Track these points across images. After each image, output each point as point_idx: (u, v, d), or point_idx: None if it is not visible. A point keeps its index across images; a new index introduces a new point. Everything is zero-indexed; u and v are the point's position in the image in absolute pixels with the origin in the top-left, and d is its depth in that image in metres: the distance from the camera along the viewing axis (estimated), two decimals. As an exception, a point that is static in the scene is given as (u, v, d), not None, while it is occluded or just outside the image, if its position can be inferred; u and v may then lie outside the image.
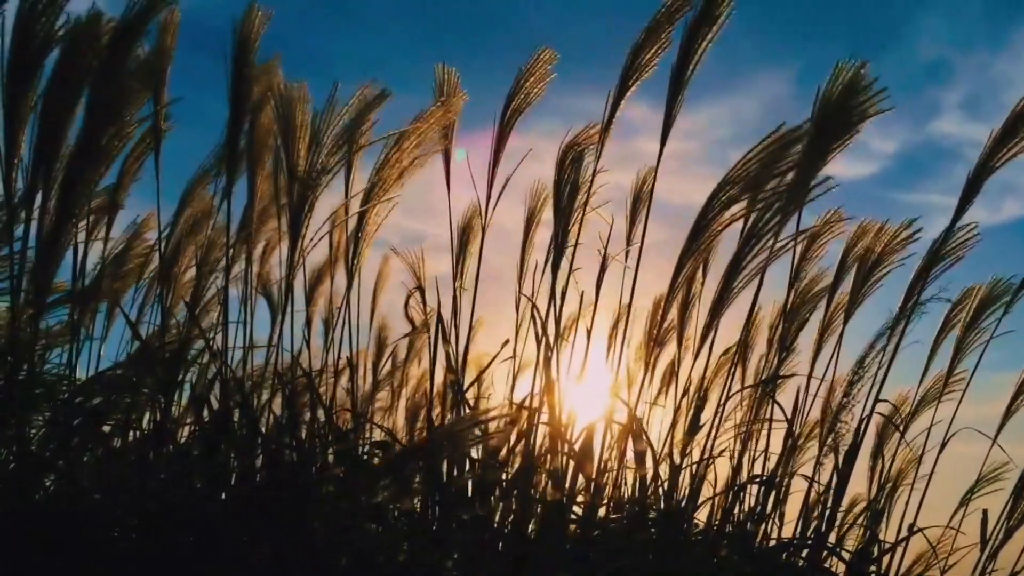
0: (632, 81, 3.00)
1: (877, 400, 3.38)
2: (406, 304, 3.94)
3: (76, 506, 2.69)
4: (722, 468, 3.35)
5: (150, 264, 3.64)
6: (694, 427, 3.25)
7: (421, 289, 3.68)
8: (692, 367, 3.19)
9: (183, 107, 3.23)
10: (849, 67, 2.83)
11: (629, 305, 3.13)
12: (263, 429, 3.16)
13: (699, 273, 3.55)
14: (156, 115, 3.14)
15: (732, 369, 3.30)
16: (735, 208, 2.73)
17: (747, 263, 2.79)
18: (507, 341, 3.41)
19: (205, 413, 3.10)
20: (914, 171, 7.41)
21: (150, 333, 3.42)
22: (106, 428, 2.94)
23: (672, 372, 3.76)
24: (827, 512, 3.40)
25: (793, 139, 2.69)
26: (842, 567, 3.39)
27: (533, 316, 3.24)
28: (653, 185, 3.09)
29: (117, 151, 2.89)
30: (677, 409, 3.23)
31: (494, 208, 3.32)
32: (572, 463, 3.08)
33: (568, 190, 3.28)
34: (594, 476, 3.07)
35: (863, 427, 3.39)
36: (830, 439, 3.38)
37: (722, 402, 3.17)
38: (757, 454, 3.40)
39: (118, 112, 2.81)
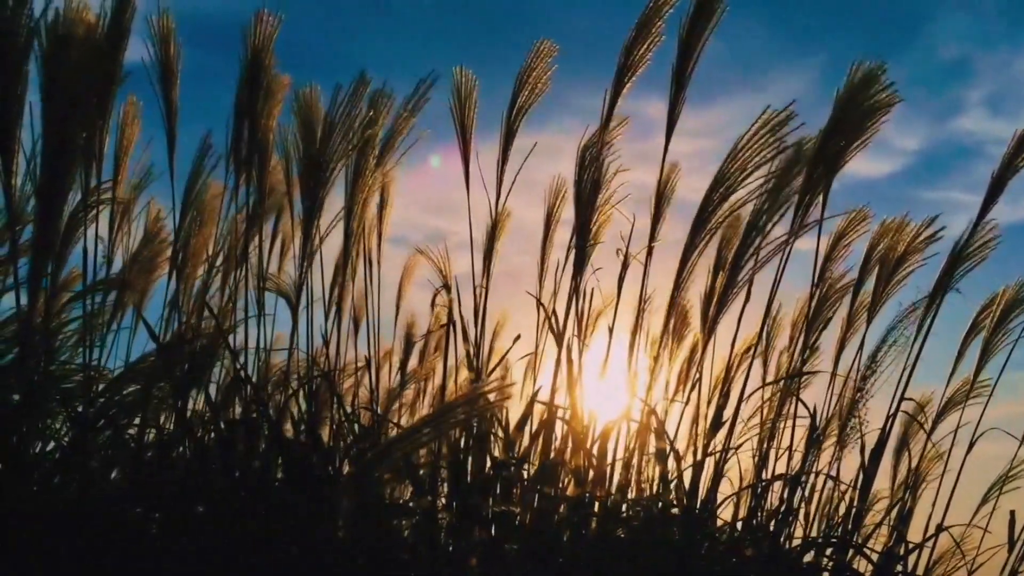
0: (627, 78, 3.05)
1: (903, 399, 3.38)
2: (433, 302, 4.01)
3: (98, 504, 2.77)
4: (745, 465, 3.36)
5: (160, 258, 3.70)
6: (716, 424, 3.25)
7: (447, 287, 3.74)
8: (705, 363, 3.21)
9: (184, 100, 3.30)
10: (865, 67, 2.84)
11: (646, 302, 3.14)
12: (284, 428, 3.23)
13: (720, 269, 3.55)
14: (169, 118, 3.21)
15: (752, 366, 3.31)
16: (733, 198, 2.74)
17: (749, 257, 2.80)
18: (518, 337, 3.45)
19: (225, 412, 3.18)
20: (936, 168, 7.35)
21: (172, 331, 3.48)
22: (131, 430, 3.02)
23: (689, 368, 3.78)
24: (853, 510, 3.39)
25: (780, 122, 2.69)
26: (867, 566, 3.38)
27: (555, 317, 3.28)
28: (662, 181, 3.10)
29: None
30: (696, 405, 3.24)
31: (503, 206, 3.37)
32: (593, 460, 3.11)
33: (589, 189, 3.29)
34: (616, 473, 3.10)
35: (889, 425, 3.39)
36: (846, 433, 3.38)
37: (744, 399, 3.18)
38: (781, 452, 3.39)
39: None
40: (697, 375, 3.34)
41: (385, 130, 3.19)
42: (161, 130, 3.22)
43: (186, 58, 3.23)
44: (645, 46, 2.98)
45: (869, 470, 3.37)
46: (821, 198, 3.02)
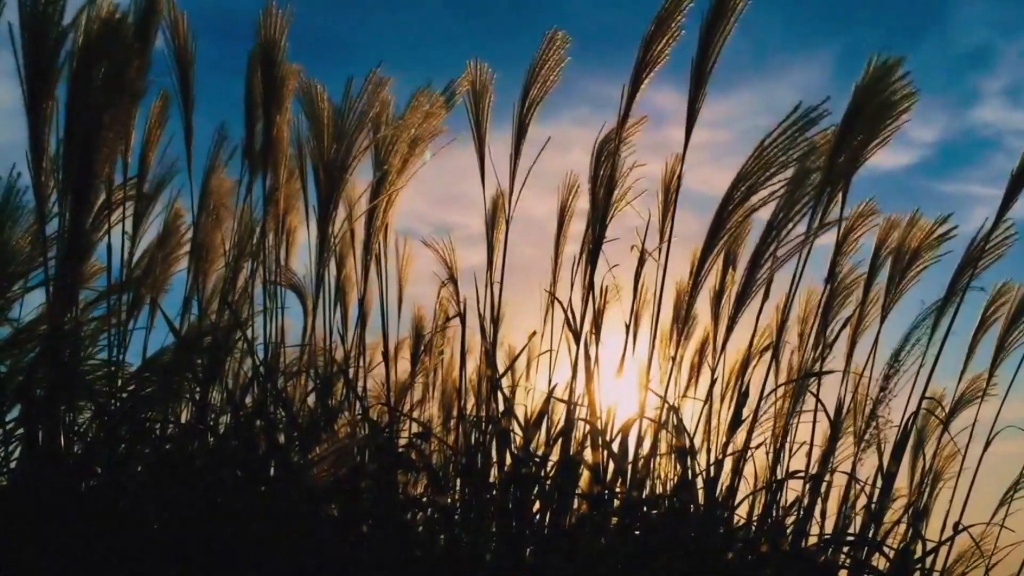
0: (645, 74, 3.04)
1: (923, 396, 3.42)
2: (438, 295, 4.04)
3: (121, 499, 2.81)
4: (760, 462, 3.40)
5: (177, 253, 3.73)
6: (736, 423, 3.29)
7: (454, 280, 3.78)
8: (720, 360, 3.24)
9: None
10: (882, 59, 2.87)
11: (660, 298, 3.16)
12: (299, 422, 3.27)
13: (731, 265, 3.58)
14: (186, 111, 3.25)
15: (771, 363, 3.34)
16: (754, 199, 2.75)
17: (769, 255, 2.81)
18: (534, 333, 3.48)
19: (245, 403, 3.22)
20: (954, 160, 7.34)
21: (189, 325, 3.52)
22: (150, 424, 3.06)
23: (701, 364, 3.82)
24: (874, 508, 3.43)
25: (808, 122, 2.69)
26: (883, 564, 3.42)
27: (571, 313, 3.31)
28: (680, 178, 3.12)
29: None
30: (709, 402, 3.28)
31: (517, 201, 3.38)
32: (611, 457, 3.15)
33: (604, 183, 3.32)
34: (633, 470, 3.14)
35: (910, 423, 3.43)
36: (868, 433, 3.42)
37: (763, 397, 3.22)
38: (796, 449, 3.43)
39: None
40: (709, 372, 3.38)
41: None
42: (178, 123, 3.27)
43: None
44: (664, 41, 2.97)
45: (891, 469, 3.41)
46: (841, 195, 3.06)
